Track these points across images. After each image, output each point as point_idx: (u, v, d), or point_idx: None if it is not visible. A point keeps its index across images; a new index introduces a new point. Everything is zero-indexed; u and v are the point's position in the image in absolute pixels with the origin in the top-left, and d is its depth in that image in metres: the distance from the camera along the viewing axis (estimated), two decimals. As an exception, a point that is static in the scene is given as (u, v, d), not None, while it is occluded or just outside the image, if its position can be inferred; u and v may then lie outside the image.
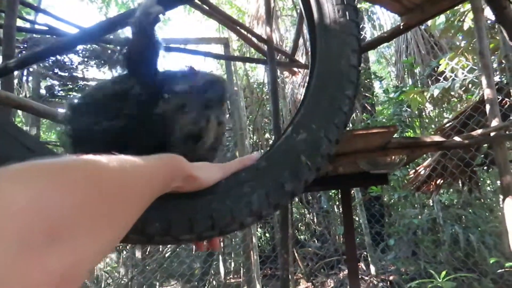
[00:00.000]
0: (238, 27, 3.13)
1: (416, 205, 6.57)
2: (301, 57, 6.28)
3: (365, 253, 6.43)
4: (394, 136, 2.21)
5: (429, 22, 5.15)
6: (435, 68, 6.06)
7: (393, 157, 2.48)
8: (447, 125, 3.96)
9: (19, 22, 3.17)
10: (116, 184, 0.44)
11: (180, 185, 0.66)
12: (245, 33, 3.16)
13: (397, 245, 6.42)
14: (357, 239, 6.61)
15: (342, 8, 1.03)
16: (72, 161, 0.42)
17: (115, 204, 0.43)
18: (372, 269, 6.06)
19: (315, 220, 8.11)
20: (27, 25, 4.12)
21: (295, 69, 4.06)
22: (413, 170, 4.49)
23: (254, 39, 3.41)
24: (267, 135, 8.21)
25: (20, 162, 0.36)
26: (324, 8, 1.05)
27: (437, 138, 2.22)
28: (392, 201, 7.27)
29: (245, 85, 8.21)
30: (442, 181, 4.05)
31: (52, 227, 0.33)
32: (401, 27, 2.79)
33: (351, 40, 1.01)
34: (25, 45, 6.02)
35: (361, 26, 7.94)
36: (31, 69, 6.05)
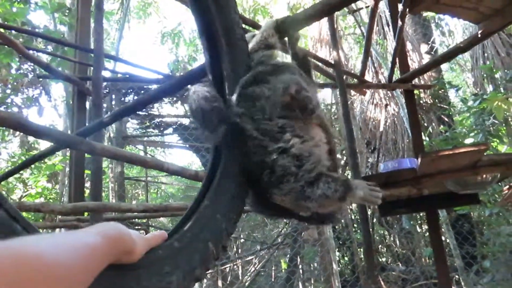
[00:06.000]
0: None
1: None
2: (367, 75, 6.14)
3: (456, 276, 5.91)
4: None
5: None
6: (519, 71, 5.56)
7: (484, 175, 2.30)
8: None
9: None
10: (47, 275, 0.40)
11: (118, 259, 0.63)
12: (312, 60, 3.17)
13: (493, 267, 5.81)
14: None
15: None
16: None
17: None
18: (467, 294, 5.55)
19: (397, 241, 7.67)
20: (108, 73, 4.59)
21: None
22: (507, 186, 4.08)
23: (320, 64, 3.41)
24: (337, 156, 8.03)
25: None
26: None
27: (536, 152, 2.02)
28: (482, 218, 6.65)
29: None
30: (544, 195, 3.63)
31: None
32: (479, 35, 2.63)
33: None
34: (107, 91, 6.61)
35: (428, 36, 7.58)
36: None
